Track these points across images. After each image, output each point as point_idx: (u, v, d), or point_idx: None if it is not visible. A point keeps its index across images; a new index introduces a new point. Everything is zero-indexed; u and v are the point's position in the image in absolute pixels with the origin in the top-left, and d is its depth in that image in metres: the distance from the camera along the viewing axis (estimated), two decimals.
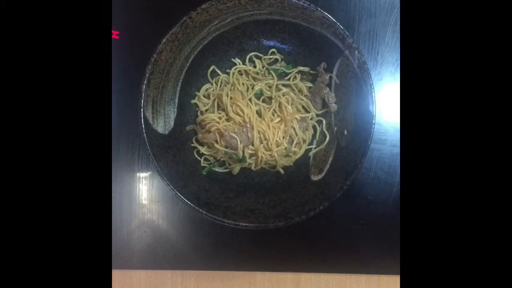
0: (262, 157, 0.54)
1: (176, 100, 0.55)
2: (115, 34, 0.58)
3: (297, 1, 0.48)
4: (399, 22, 0.57)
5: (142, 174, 0.60)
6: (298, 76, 0.56)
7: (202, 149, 0.55)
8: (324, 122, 0.56)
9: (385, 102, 0.58)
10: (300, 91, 0.56)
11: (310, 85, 0.56)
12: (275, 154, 0.54)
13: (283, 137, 0.55)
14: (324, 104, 0.56)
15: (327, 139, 0.55)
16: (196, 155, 0.56)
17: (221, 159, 0.55)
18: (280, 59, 0.57)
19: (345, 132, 0.53)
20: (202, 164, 0.55)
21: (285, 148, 0.55)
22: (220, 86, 0.56)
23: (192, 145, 0.56)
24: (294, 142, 0.55)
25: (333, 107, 0.54)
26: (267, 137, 0.54)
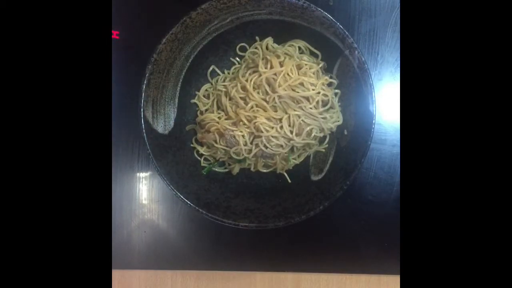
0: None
1: (176, 100, 0.55)
2: (115, 34, 0.58)
3: (297, 1, 0.48)
4: (399, 22, 0.57)
5: (142, 174, 0.60)
6: None
7: (202, 150, 0.55)
8: None
9: (385, 102, 0.58)
10: None
11: None
12: (276, 157, 0.54)
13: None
14: None
15: (327, 139, 0.55)
16: (196, 155, 0.56)
17: (221, 159, 0.55)
18: None
19: (345, 132, 0.53)
20: (202, 164, 0.55)
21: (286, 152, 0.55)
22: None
23: (192, 145, 0.56)
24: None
25: None
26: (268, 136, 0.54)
